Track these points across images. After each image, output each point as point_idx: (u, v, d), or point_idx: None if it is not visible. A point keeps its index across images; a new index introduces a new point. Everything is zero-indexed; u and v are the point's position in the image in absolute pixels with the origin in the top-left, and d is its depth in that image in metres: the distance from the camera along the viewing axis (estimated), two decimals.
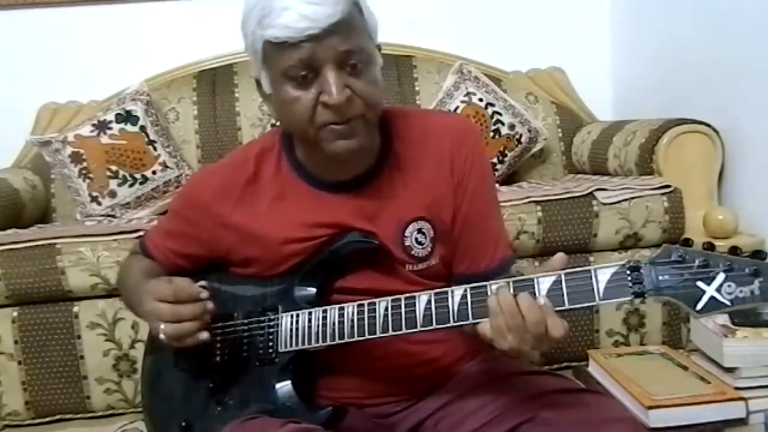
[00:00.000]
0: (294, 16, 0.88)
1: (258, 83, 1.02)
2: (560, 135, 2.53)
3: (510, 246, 1.13)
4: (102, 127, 2.24)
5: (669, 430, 1.38)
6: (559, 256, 0.86)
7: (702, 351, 1.57)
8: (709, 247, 0.80)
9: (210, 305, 0.98)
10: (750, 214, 1.89)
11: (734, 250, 0.78)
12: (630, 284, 0.81)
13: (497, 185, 2.18)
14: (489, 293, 0.87)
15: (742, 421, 1.39)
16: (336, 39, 0.90)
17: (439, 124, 1.09)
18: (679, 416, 1.38)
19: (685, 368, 1.56)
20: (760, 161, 1.89)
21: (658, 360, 1.64)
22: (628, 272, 0.82)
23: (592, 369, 1.65)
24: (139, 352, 1.70)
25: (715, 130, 1.95)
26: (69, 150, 2.21)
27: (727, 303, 0.77)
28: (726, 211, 1.85)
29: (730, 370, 1.46)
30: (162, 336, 0.97)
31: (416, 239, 1.04)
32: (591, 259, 1.85)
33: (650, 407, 1.38)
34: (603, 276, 0.83)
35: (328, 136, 0.95)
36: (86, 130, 2.24)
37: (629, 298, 0.82)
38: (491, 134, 2.33)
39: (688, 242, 0.82)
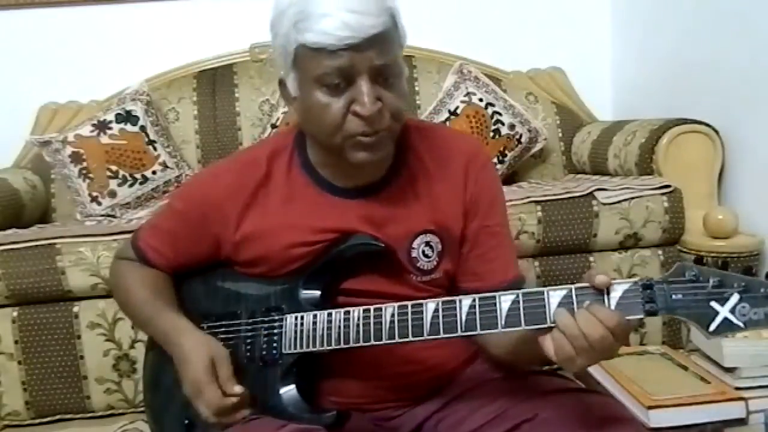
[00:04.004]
0: (335, 23, 0.87)
1: (282, 83, 1.00)
2: (560, 135, 2.53)
3: (518, 266, 1.12)
4: (102, 127, 2.24)
5: (669, 430, 1.37)
6: (601, 278, 0.82)
7: (702, 351, 1.57)
8: (724, 266, 0.79)
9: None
10: (750, 214, 1.89)
11: (749, 270, 0.77)
12: (642, 303, 0.80)
13: None
14: (498, 304, 0.86)
15: (742, 421, 1.39)
16: (374, 52, 0.90)
17: (452, 143, 1.09)
18: (679, 416, 1.38)
19: (685, 368, 1.56)
20: (760, 161, 1.89)
21: (658, 360, 1.64)
22: (641, 290, 0.81)
23: (592, 369, 1.64)
24: (139, 352, 1.70)
25: (715, 130, 1.95)
26: (69, 150, 2.21)
27: (741, 325, 0.76)
28: (726, 211, 1.85)
29: (730, 370, 1.46)
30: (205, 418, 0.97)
31: (423, 252, 1.04)
32: (591, 259, 1.85)
33: (650, 407, 1.38)
34: (615, 293, 0.81)
35: (354, 146, 0.94)
36: (86, 130, 2.24)
37: (641, 317, 0.81)
38: (491, 134, 2.33)
39: (702, 261, 0.81)
